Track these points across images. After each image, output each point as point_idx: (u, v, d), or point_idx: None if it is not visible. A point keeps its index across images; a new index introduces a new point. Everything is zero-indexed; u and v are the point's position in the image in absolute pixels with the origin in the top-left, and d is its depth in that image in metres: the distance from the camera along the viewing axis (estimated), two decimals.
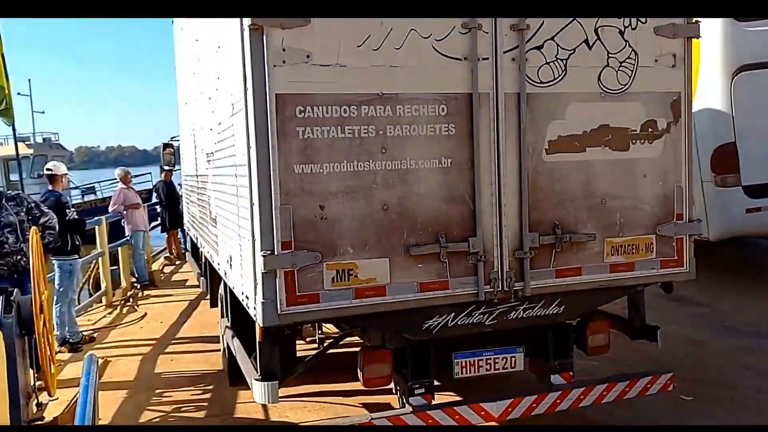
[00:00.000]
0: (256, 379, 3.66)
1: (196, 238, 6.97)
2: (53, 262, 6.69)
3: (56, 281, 6.64)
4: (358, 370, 3.80)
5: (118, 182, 10.85)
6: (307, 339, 5.80)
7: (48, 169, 6.89)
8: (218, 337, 6.02)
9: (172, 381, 5.67)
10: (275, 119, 3.23)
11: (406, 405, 3.79)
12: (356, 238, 3.39)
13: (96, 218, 8.90)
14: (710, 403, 4.54)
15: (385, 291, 3.45)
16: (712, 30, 7.02)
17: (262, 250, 3.27)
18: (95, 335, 7.17)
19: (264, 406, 4.94)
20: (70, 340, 6.67)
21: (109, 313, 8.26)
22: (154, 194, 12.40)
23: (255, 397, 3.68)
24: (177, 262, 11.95)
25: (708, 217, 7.29)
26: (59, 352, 6.56)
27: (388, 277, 3.45)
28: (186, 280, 10.19)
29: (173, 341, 6.89)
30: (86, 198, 25.52)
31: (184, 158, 8.48)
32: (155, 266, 11.09)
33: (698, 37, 3.94)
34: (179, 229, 12.48)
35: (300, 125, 3.27)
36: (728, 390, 4.74)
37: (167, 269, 11.42)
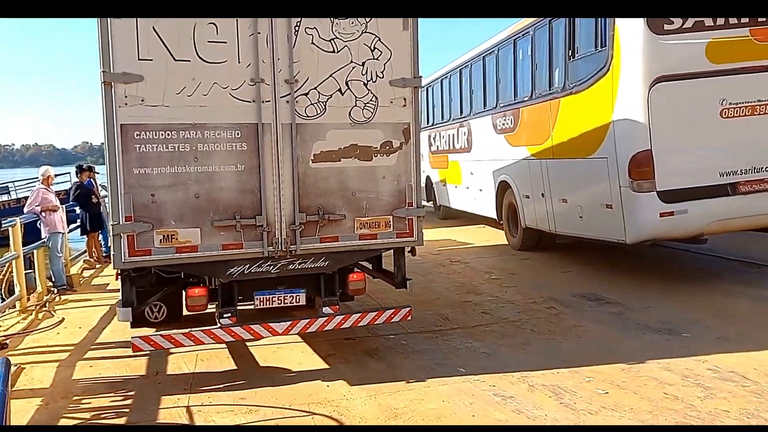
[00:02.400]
0: (117, 306, 5.49)
1: None
2: None
3: None
4: (184, 300, 5.64)
5: (36, 182, 10.34)
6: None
7: None
8: None
9: (90, 387, 5.45)
10: (120, 140, 4.99)
11: (218, 323, 5.51)
12: (177, 215, 5.17)
13: (10, 219, 8.46)
14: (622, 396, 4.75)
15: (197, 249, 5.23)
16: (632, 43, 7.39)
17: (112, 222, 5.07)
18: (7, 342, 6.80)
19: (189, 412, 4.85)
20: None
21: (24, 319, 7.86)
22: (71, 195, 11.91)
23: (118, 318, 5.48)
24: (97, 266, 11.51)
25: (625, 221, 7.66)
26: None
27: (200, 240, 5.23)
28: (107, 284, 9.82)
29: (92, 347, 6.62)
30: None
31: None
32: (74, 270, 10.63)
33: (421, 87, 5.82)
34: (99, 232, 12.04)
35: (137, 143, 5.04)
36: (637, 384, 4.97)
37: (87, 273, 10.97)
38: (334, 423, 4.58)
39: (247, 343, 6.49)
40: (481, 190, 12.54)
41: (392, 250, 6.03)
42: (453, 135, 14.18)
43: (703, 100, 7.36)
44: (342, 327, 5.67)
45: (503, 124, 11.09)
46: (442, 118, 15.14)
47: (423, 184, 17.63)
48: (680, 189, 7.32)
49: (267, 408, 4.84)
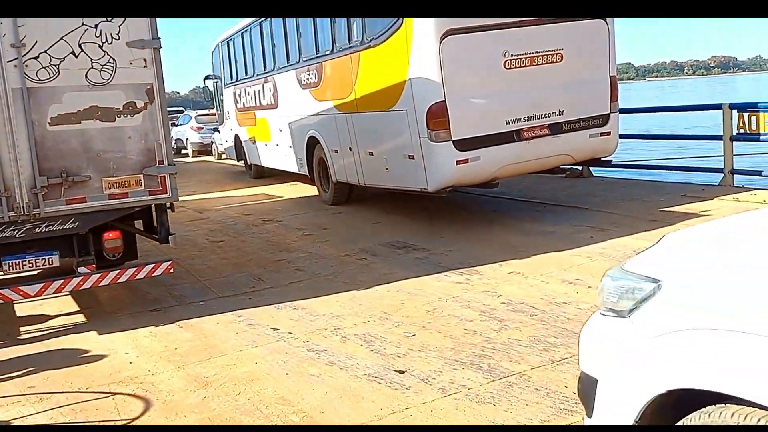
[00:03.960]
0: None
1: None
2: None
3: None
4: None
5: None
6: None
7: None
8: None
9: None
10: None
11: None
12: None
13: None
14: (427, 337, 5.00)
15: None
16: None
17: None
18: None
19: None
20: None
21: None
22: None
23: None
24: None
25: (426, 171, 7.99)
26: None
27: None
28: None
29: None
30: None
31: None
32: None
33: (161, 47, 5.77)
34: None
35: None
36: (441, 323, 5.27)
37: None
38: (138, 401, 4.30)
39: (34, 327, 5.92)
40: (290, 147, 12.40)
41: (155, 209, 6.23)
42: (259, 91, 13.79)
43: (488, 52, 7.81)
44: (100, 285, 5.86)
45: (307, 79, 10.97)
46: (246, 73, 14.62)
47: (232, 144, 17.15)
48: (473, 137, 7.76)
49: (60, 394, 4.43)
